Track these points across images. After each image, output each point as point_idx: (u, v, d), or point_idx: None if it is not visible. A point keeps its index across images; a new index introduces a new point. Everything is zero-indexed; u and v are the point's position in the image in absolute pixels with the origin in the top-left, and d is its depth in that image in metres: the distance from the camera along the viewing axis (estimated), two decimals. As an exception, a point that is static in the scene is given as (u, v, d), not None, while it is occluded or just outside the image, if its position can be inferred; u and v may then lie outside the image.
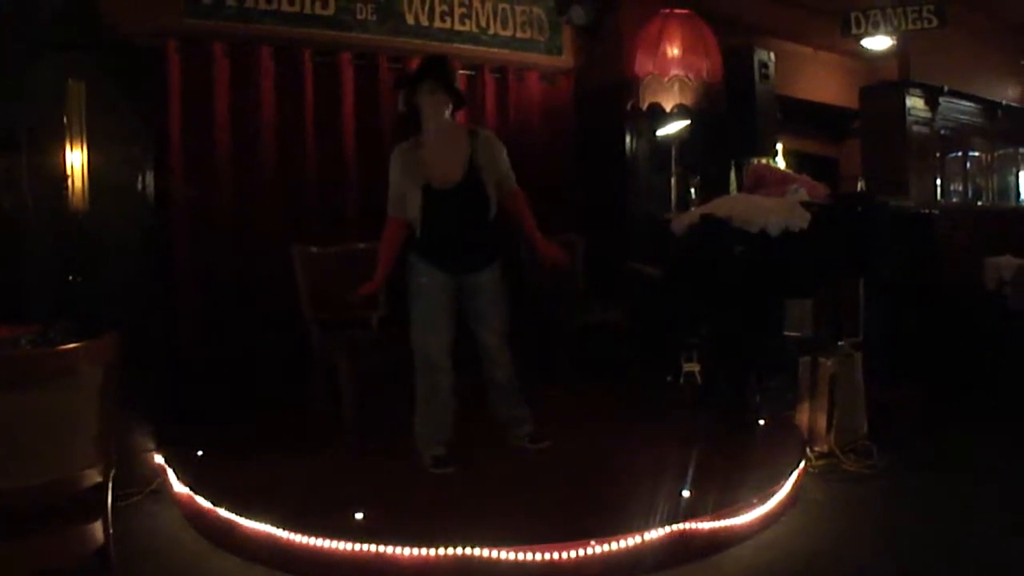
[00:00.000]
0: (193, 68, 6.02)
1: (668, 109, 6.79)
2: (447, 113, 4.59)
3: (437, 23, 6.98)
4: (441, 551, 3.58)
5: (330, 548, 3.69)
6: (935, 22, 7.34)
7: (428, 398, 4.61)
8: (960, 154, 9.11)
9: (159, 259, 5.86)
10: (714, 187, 7.24)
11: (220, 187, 6.10)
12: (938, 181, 8.60)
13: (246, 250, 6.15)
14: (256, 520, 3.91)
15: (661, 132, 7.07)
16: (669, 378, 6.46)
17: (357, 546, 3.66)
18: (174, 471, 4.69)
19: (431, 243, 4.58)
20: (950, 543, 4.03)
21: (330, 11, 6.53)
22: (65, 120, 5.34)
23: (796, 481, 4.58)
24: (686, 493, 4.06)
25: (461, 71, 6.96)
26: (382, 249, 4.67)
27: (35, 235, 5.36)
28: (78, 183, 5.37)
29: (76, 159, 5.37)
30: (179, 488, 4.55)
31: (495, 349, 4.76)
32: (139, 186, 5.70)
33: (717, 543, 3.94)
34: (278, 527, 3.82)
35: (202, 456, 4.85)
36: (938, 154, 8.59)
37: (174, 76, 5.93)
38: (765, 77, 7.56)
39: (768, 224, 5.04)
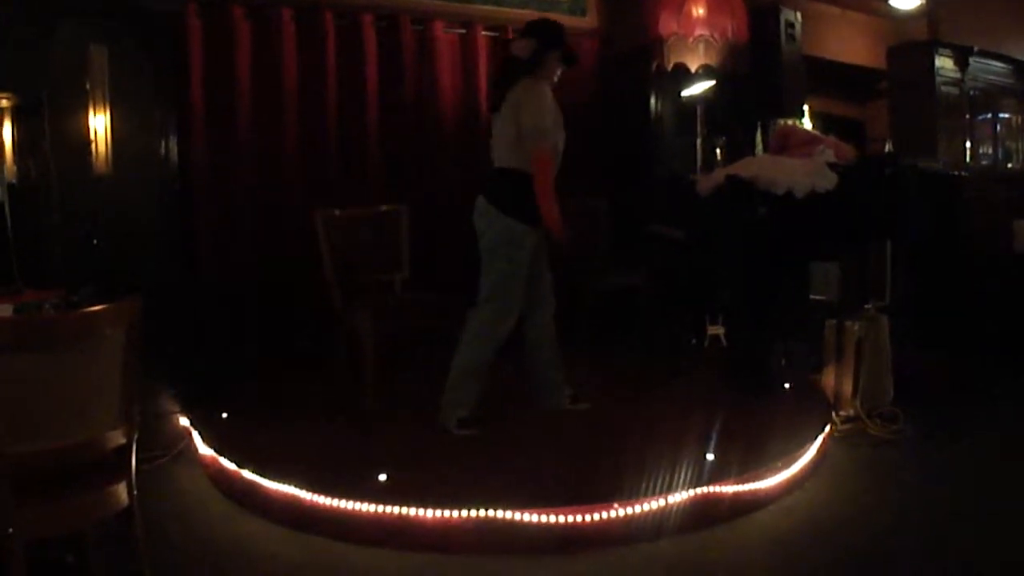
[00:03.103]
0: (214, 32, 6.01)
1: (693, 70, 6.72)
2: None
3: (459, -17, 6.92)
4: (463, 513, 3.59)
5: (353, 510, 3.71)
6: (965, -20, 7.23)
7: (477, 368, 4.61)
8: (990, 116, 8.96)
9: (181, 223, 5.89)
10: (740, 148, 7.17)
11: (242, 151, 6.10)
12: (967, 143, 8.48)
13: (268, 213, 6.17)
14: (280, 482, 3.93)
15: (686, 93, 7.01)
16: (693, 341, 6.45)
17: (380, 508, 3.67)
18: (199, 433, 4.72)
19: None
20: (975, 511, 3.99)
21: (351, -27, 6.49)
22: (88, 86, 5.35)
23: (821, 446, 4.56)
24: (710, 457, 4.05)
25: (484, 32, 6.92)
26: (551, 186, 4.51)
27: (59, 200, 5.39)
28: (101, 148, 5.39)
29: (99, 124, 5.40)
30: (204, 450, 4.59)
31: (551, 307, 4.80)
32: (161, 150, 5.72)
33: (741, 507, 3.93)
34: (302, 489, 3.84)
35: (227, 419, 4.88)
36: (967, 116, 8.47)
37: (195, 40, 5.92)
38: (791, 37, 7.46)
39: (794, 186, 4.99)
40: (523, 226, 4.52)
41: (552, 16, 7.20)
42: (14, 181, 5.55)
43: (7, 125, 5.51)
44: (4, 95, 5.43)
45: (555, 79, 4.71)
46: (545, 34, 4.66)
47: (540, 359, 4.83)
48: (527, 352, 4.82)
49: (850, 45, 9.20)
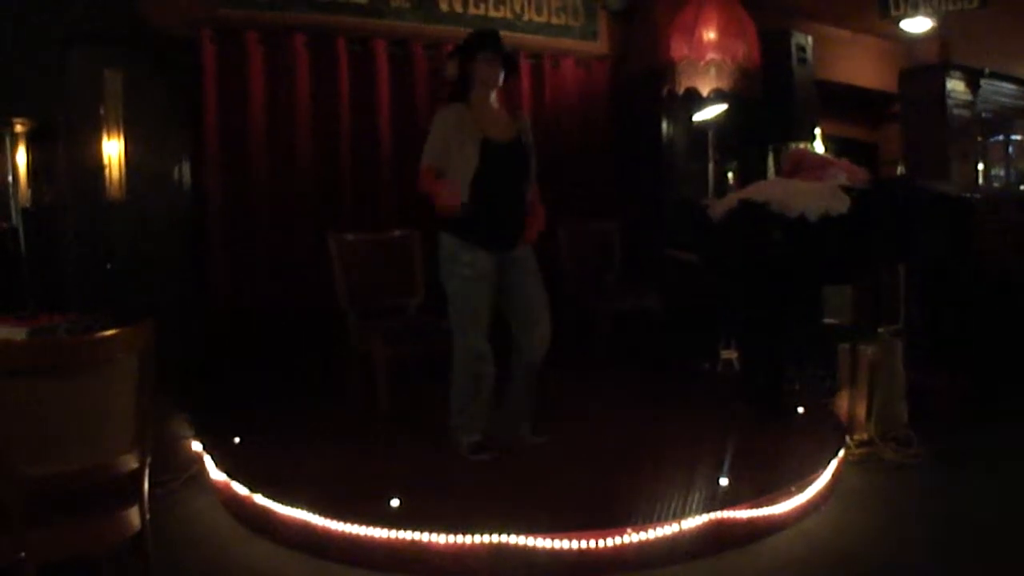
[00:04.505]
0: (228, 57, 6.05)
1: (705, 94, 6.72)
2: (500, 81, 4.62)
3: (471, 10, 6.96)
4: (476, 538, 3.57)
5: (366, 535, 3.69)
6: (975, 2, 7.19)
7: (472, 389, 4.52)
8: (1002, 138, 8.96)
9: (195, 247, 5.90)
10: (752, 172, 7.19)
11: (256, 175, 6.12)
12: (979, 165, 8.47)
13: (282, 238, 6.18)
14: (292, 507, 3.92)
15: (698, 117, 7.01)
16: (706, 365, 6.43)
17: (393, 533, 3.66)
18: (211, 458, 4.71)
19: (480, 208, 4.40)
20: (991, 534, 3.96)
21: (364, -2, 6.54)
22: (102, 111, 5.39)
23: (835, 470, 4.53)
24: (724, 481, 4.02)
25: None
26: (431, 184, 4.43)
27: (73, 224, 5.42)
28: (115, 173, 5.43)
29: (113, 149, 5.43)
30: (216, 475, 4.58)
31: (543, 330, 4.61)
32: (175, 175, 5.75)
33: (755, 532, 3.91)
34: (314, 513, 3.83)
35: (239, 443, 4.87)
36: (979, 138, 8.47)
37: (209, 65, 5.96)
38: (803, 61, 7.48)
39: (807, 209, 4.97)
40: (457, 240, 4.43)
41: (564, 40, 7.35)
42: (28, 205, 5.59)
43: (22, 150, 5.56)
44: (19, 120, 5.48)
45: (497, 82, 4.58)
46: (464, 48, 4.59)
47: (525, 381, 4.68)
48: (512, 371, 4.70)
49: (861, 68, 9.23)
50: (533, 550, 3.55)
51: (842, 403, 5.31)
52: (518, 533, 3.56)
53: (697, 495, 3.83)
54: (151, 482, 2.99)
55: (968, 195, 7.31)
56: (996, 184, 8.83)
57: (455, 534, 3.58)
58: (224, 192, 6.04)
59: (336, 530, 3.76)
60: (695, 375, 6.46)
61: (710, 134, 7.00)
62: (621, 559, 3.61)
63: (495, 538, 3.56)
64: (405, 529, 3.65)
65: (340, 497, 3.96)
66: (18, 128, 5.50)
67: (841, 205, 5.00)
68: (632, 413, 5.41)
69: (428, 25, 6.77)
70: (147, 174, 5.61)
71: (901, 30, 7.98)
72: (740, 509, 3.87)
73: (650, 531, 3.64)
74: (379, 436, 5.06)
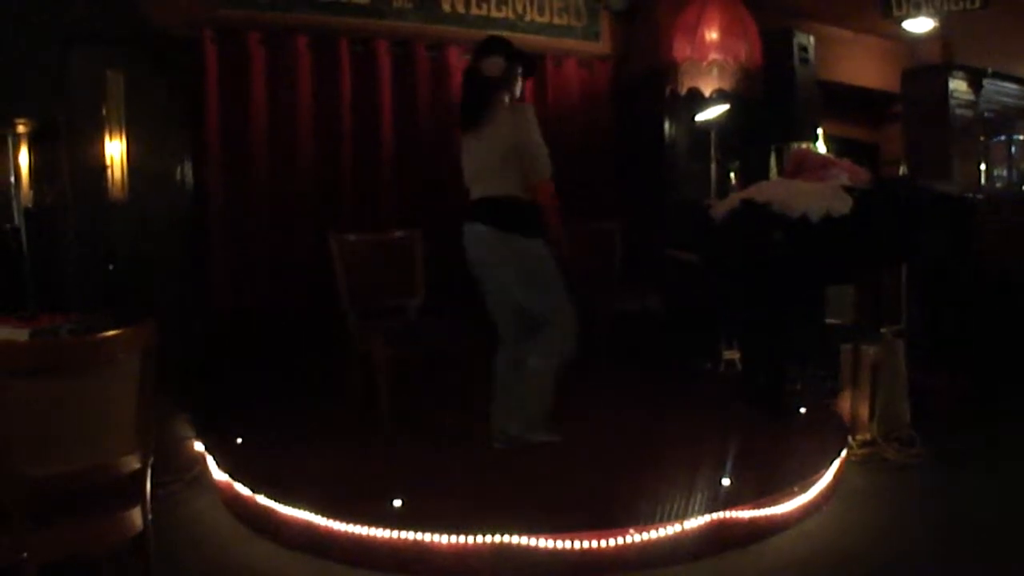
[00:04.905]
0: (229, 58, 6.04)
1: (707, 94, 6.71)
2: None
3: (473, 10, 6.95)
4: (479, 539, 3.57)
5: (368, 535, 3.69)
6: (978, 2, 7.17)
7: (555, 373, 4.55)
8: (1004, 138, 8.93)
9: (197, 247, 5.90)
10: (754, 173, 7.17)
11: (257, 176, 6.12)
12: (982, 166, 8.45)
13: (283, 238, 6.18)
14: (294, 507, 3.92)
15: (700, 117, 7.00)
16: (708, 366, 6.42)
17: (395, 533, 3.66)
18: (214, 458, 4.71)
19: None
20: (993, 535, 3.96)
21: (365, -1, 6.54)
22: (103, 111, 5.39)
23: (838, 470, 4.53)
24: (726, 481, 4.02)
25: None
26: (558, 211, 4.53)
27: (75, 224, 5.41)
28: (117, 173, 5.43)
29: (115, 149, 5.43)
30: (218, 475, 4.58)
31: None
32: (177, 175, 5.75)
33: (757, 532, 3.91)
34: (316, 514, 3.83)
35: (241, 444, 4.88)
36: (982, 138, 8.43)
37: (210, 66, 5.95)
38: (804, 61, 7.47)
39: (809, 209, 4.96)
40: (540, 240, 4.51)
41: (566, 41, 7.34)
42: (30, 206, 5.59)
43: (24, 150, 5.56)
44: (21, 120, 5.48)
45: (518, 93, 4.73)
46: (510, 50, 4.65)
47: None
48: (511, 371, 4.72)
49: (864, 68, 9.21)
50: (535, 550, 3.55)
51: (845, 403, 5.31)
52: (520, 533, 3.56)
53: (699, 495, 3.83)
54: (153, 482, 2.99)
55: (970, 195, 7.30)
56: (998, 184, 8.80)
57: (457, 534, 3.58)
58: (225, 192, 6.04)
59: (338, 530, 3.76)
60: (696, 375, 6.46)
61: (712, 134, 6.99)
62: (623, 559, 3.61)
63: (497, 538, 3.56)
64: (407, 529, 3.65)
65: (342, 497, 3.96)
66: (20, 129, 5.49)
67: (843, 205, 5.00)
68: (633, 413, 5.41)
69: (430, 26, 6.76)
70: (148, 174, 5.62)
71: (903, 30, 7.96)
72: (742, 509, 3.87)
73: (652, 531, 3.64)
74: (380, 436, 5.06)
